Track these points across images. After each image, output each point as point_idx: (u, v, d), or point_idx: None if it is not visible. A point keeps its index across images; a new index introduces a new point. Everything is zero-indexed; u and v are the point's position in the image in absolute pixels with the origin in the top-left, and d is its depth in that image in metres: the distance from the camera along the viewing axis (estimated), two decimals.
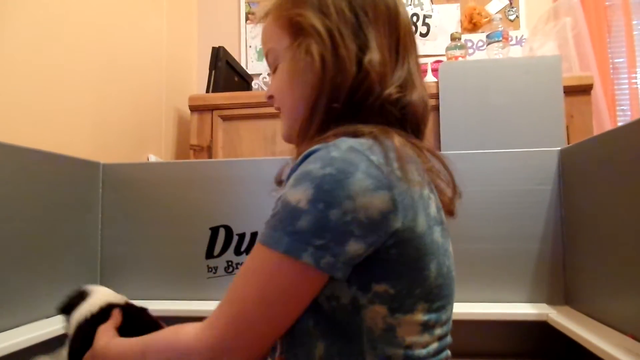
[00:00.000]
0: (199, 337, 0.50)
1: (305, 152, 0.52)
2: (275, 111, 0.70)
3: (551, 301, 1.38)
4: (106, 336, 0.66)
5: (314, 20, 0.60)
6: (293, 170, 0.52)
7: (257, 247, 0.51)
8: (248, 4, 2.56)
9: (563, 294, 1.39)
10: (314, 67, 0.58)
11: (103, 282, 1.50)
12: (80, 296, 0.79)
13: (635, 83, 2.30)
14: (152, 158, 1.89)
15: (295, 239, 0.47)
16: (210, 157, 1.86)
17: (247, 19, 2.55)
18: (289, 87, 0.64)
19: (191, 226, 1.46)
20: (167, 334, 0.55)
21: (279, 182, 0.65)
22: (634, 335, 1.03)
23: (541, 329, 1.28)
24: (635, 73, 2.30)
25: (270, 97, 0.69)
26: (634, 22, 2.32)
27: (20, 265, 1.17)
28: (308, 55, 0.59)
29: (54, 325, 1.21)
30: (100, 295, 0.77)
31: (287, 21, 0.64)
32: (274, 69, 0.68)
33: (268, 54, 0.68)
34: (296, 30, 0.62)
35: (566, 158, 1.40)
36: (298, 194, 0.48)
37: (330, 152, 0.49)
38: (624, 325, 1.08)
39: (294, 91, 0.63)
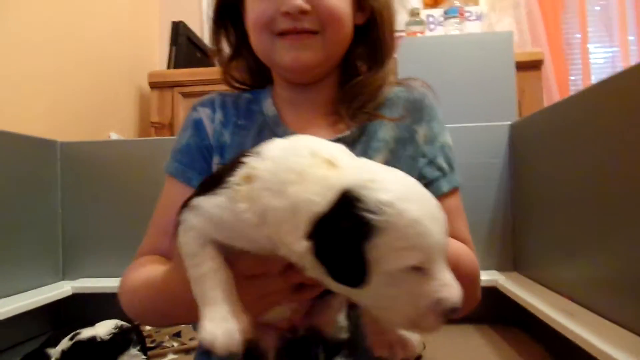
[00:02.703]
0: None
1: (419, 96, 0.66)
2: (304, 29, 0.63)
3: (501, 268, 1.46)
4: None
5: None
6: (417, 108, 0.66)
7: (456, 191, 0.64)
8: None
9: (512, 261, 1.47)
10: (369, 14, 0.64)
11: (65, 261, 1.50)
12: None
13: (588, 57, 2.39)
14: (114, 136, 1.87)
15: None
16: (172, 134, 1.85)
17: None
18: (346, 16, 0.61)
19: (152, 203, 1.46)
20: (464, 247, 0.61)
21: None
22: (570, 296, 1.11)
23: (491, 294, 1.36)
24: (588, 47, 2.38)
25: (305, 12, 0.59)
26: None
27: None
28: (376, 4, 0.64)
29: (16, 303, 1.22)
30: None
31: None
32: None
33: None
34: None
35: (516, 132, 1.47)
36: (449, 137, 0.67)
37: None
38: (563, 288, 1.16)
39: (349, 20, 0.62)
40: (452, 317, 0.40)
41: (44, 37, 1.53)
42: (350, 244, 0.37)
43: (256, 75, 0.72)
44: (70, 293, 1.40)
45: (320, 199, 0.38)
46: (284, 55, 0.61)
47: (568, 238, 1.15)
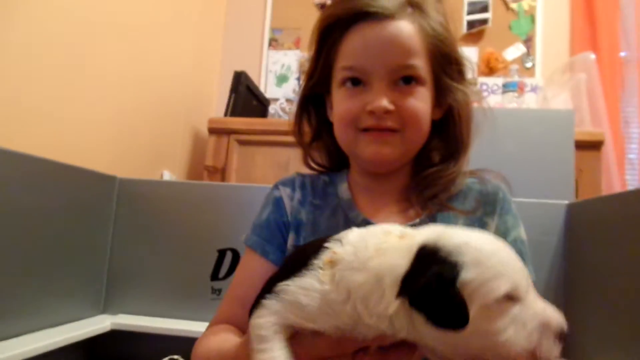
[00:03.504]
0: None
1: (493, 189, 0.68)
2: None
3: None
4: None
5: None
6: (489, 201, 0.68)
7: None
8: (272, 30, 2.63)
9: (561, 348, 1.39)
10: (446, 110, 0.68)
11: (108, 295, 1.52)
12: None
13: None
14: (167, 174, 1.93)
15: None
16: (223, 179, 1.90)
17: (270, 44, 2.62)
18: (426, 117, 0.66)
19: (199, 247, 1.48)
20: None
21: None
22: None
23: None
24: None
25: (389, 112, 0.63)
26: None
27: (29, 274, 1.19)
28: (455, 103, 0.68)
29: (56, 336, 1.23)
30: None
31: (446, 59, 0.67)
32: (404, 80, 0.64)
33: (410, 66, 0.64)
34: (453, 76, 0.68)
35: (574, 212, 1.42)
36: (523, 232, 0.69)
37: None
38: None
39: (428, 121, 0.67)
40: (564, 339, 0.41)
41: (113, 80, 1.63)
42: (444, 284, 0.39)
43: (334, 158, 0.77)
44: (109, 329, 1.40)
45: (401, 261, 0.42)
46: (365, 149, 0.66)
47: (621, 331, 1.08)
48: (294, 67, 2.58)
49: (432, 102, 0.67)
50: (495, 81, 2.38)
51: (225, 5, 2.65)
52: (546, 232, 1.44)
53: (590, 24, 2.32)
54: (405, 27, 0.64)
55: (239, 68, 2.15)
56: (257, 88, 2.31)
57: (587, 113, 1.81)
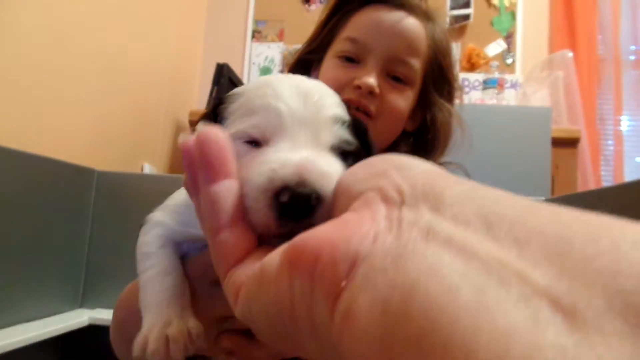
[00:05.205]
0: None
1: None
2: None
3: None
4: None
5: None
6: None
7: None
8: (255, 22, 2.61)
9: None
10: (418, 125, 0.71)
11: (85, 289, 1.50)
12: None
13: (620, 131, 2.39)
14: (147, 167, 1.91)
15: None
16: None
17: (253, 36, 2.60)
18: (403, 116, 0.68)
19: None
20: None
21: None
22: None
23: None
24: (620, 120, 2.38)
25: (373, 94, 0.64)
26: (624, 74, 2.41)
27: (5, 267, 1.17)
28: (438, 115, 0.70)
29: (32, 331, 1.21)
30: None
31: (440, 75, 0.69)
32: (396, 77, 0.66)
33: (408, 64, 0.66)
34: (442, 88, 0.70)
35: None
36: None
37: None
38: None
39: (403, 122, 0.69)
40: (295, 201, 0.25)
41: (93, 72, 1.60)
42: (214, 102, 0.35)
43: None
44: (86, 323, 1.39)
45: None
46: None
47: None
48: (278, 59, 2.57)
49: (410, 111, 0.69)
50: (477, 77, 2.40)
51: None
52: None
53: (569, 22, 2.36)
54: (417, 26, 0.67)
55: (222, 60, 2.13)
56: (240, 81, 2.30)
57: (564, 110, 1.85)
